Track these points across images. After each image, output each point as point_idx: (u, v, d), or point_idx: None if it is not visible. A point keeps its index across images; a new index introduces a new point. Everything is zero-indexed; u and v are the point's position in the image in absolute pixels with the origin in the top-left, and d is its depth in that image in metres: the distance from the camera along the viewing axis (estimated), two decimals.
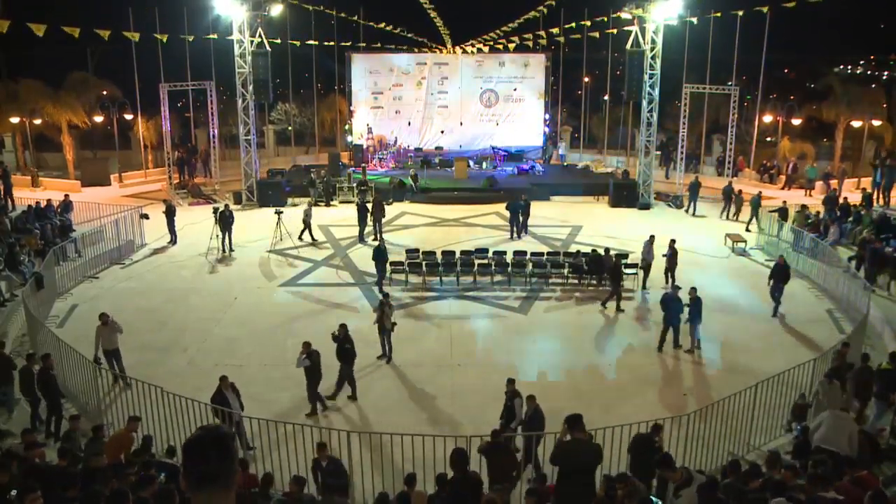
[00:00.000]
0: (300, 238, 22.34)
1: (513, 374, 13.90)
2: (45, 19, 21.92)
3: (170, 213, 21.93)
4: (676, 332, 14.95)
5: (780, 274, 16.82)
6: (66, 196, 23.05)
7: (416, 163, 32.35)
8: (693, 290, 15.03)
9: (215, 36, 29.79)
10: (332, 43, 35.14)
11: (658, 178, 29.92)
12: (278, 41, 30.50)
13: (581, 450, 7.85)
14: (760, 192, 25.78)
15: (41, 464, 8.65)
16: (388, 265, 18.34)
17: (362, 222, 22.45)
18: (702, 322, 14.96)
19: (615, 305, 17.06)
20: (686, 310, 14.89)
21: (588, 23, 32.29)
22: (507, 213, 23.35)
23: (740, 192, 26.25)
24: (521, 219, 23.17)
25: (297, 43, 33.62)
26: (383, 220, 22.84)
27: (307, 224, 22.38)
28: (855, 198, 23.88)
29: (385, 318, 14.22)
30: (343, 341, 12.83)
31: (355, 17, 35.61)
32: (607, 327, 16.36)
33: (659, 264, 18.36)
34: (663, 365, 14.50)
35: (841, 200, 23.17)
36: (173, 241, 22.14)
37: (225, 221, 21.21)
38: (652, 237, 18.72)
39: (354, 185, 27.90)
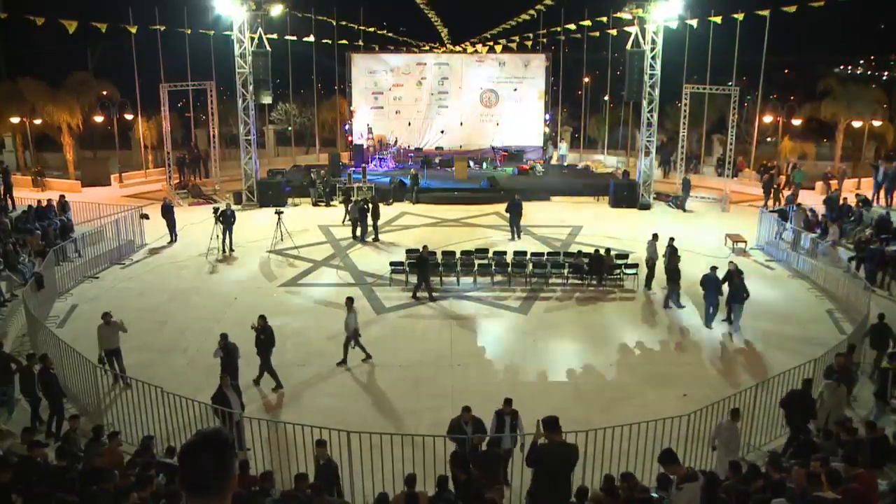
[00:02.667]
0: (354, 238, 22.60)
1: (513, 373, 14.00)
2: (44, 15, 21.93)
3: (167, 212, 21.91)
4: (715, 310, 15.97)
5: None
6: (62, 196, 23.01)
7: (417, 163, 32.34)
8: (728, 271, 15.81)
9: (212, 32, 29.78)
10: (331, 39, 35.06)
11: (656, 178, 29.92)
12: (276, 36, 30.40)
13: (561, 453, 7.86)
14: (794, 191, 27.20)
15: (43, 464, 8.64)
16: (430, 271, 17.96)
17: (362, 222, 22.48)
18: (741, 307, 15.72)
19: (663, 303, 17.35)
20: (725, 288, 15.76)
21: (588, 22, 32.23)
22: (507, 215, 23.27)
23: (778, 185, 27.15)
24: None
25: (295, 38, 33.54)
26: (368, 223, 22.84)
27: (355, 221, 22.61)
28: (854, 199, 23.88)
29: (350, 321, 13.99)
30: (259, 332, 13.08)
31: (354, 25, 35.52)
32: (608, 327, 16.34)
33: (661, 263, 18.33)
34: (663, 365, 14.50)
35: (841, 201, 23.16)
36: (173, 241, 22.15)
37: (227, 221, 21.22)
38: (655, 235, 18.72)
39: (340, 189, 27.85)
